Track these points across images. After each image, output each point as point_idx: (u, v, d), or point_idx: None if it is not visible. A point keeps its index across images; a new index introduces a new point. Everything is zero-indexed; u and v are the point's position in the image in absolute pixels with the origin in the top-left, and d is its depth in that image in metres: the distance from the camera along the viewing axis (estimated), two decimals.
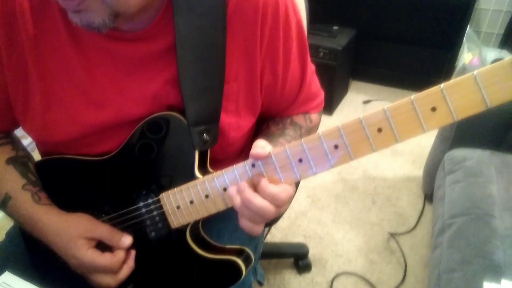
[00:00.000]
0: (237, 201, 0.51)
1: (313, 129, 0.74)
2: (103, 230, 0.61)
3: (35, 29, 0.55)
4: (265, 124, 0.72)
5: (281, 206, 0.51)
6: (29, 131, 0.63)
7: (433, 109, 0.41)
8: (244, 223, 0.52)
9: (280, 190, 0.49)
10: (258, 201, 0.49)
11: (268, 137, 0.67)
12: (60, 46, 0.56)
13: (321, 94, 0.75)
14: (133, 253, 0.62)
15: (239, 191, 0.51)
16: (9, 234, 0.78)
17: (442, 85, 0.40)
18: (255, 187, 0.51)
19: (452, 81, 0.40)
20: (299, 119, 0.72)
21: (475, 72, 0.39)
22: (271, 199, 0.49)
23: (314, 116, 0.75)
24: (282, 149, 0.49)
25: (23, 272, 0.56)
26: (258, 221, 0.52)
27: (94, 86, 0.57)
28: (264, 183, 0.49)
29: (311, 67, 0.70)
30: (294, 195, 0.54)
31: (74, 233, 0.59)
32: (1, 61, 0.57)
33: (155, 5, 0.53)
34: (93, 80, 0.57)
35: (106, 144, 0.61)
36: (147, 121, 0.58)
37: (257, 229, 0.53)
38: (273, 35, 0.59)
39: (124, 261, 0.61)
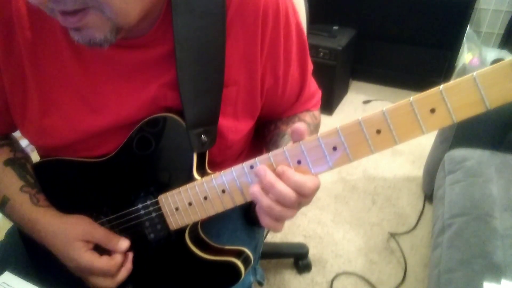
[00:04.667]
0: (264, 199, 0.47)
1: (318, 125, 0.75)
2: (100, 234, 0.60)
3: (33, 34, 0.55)
4: (273, 125, 0.71)
5: (306, 196, 0.48)
6: (26, 135, 0.62)
7: (432, 110, 0.41)
8: (267, 220, 0.49)
9: (307, 179, 0.47)
10: (280, 186, 0.46)
11: (281, 137, 0.66)
12: (58, 51, 0.55)
13: (319, 92, 0.76)
14: (130, 255, 0.62)
15: (259, 176, 0.48)
16: (9, 234, 0.78)
17: (441, 86, 0.40)
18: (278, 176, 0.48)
19: (451, 82, 0.40)
20: (305, 116, 0.72)
21: (474, 73, 0.39)
22: (296, 187, 0.47)
23: (316, 113, 0.75)
24: (280, 150, 0.49)
25: (23, 272, 0.56)
26: (282, 215, 0.48)
27: (92, 91, 0.57)
28: (290, 172, 0.47)
29: (310, 68, 0.70)
30: (319, 187, 0.50)
31: (71, 236, 0.59)
32: None
33: (154, 12, 0.53)
34: (91, 85, 0.57)
35: (103, 147, 0.61)
36: (145, 122, 0.58)
37: (279, 226, 0.50)
38: (274, 38, 0.59)
39: (122, 264, 0.61)
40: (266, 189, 0.47)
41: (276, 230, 0.50)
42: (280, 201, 0.47)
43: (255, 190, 0.48)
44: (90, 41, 0.46)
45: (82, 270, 0.60)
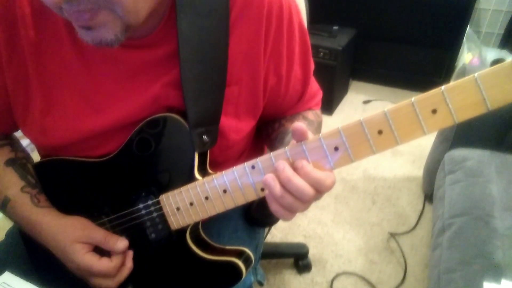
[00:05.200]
0: (277, 187, 0.47)
1: (321, 123, 0.75)
2: (98, 235, 0.60)
3: (37, 34, 0.55)
4: (277, 123, 0.72)
5: (322, 192, 0.48)
6: (28, 135, 0.62)
7: (434, 111, 0.41)
8: (277, 208, 0.49)
9: (326, 175, 0.47)
10: (298, 181, 0.46)
11: (287, 134, 0.66)
12: (61, 51, 0.55)
13: (320, 92, 0.76)
14: (130, 254, 0.62)
15: (277, 170, 0.47)
16: (9, 234, 0.78)
17: (443, 87, 0.40)
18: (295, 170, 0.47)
19: (453, 83, 0.40)
20: (309, 114, 0.72)
21: (476, 74, 0.39)
22: (314, 183, 0.46)
23: (319, 111, 0.76)
24: (282, 151, 0.49)
25: (23, 272, 0.56)
26: (293, 206, 0.48)
27: (95, 91, 0.57)
28: (309, 167, 0.46)
29: (312, 67, 0.71)
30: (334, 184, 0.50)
31: (70, 238, 0.59)
32: (1, 66, 0.57)
33: (159, 12, 0.53)
34: (95, 85, 0.57)
35: (105, 147, 0.61)
36: (147, 122, 0.58)
37: (289, 215, 0.50)
38: (277, 38, 0.60)
39: (122, 264, 0.61)
40: (283, 183, 0.47)
41: (285, 219, 0.50)
42: (297, 196, 0.47)
43: (269, 176, 0.47)
44: (101, 41, 0.46)
45: (82, 271, 0.60)
